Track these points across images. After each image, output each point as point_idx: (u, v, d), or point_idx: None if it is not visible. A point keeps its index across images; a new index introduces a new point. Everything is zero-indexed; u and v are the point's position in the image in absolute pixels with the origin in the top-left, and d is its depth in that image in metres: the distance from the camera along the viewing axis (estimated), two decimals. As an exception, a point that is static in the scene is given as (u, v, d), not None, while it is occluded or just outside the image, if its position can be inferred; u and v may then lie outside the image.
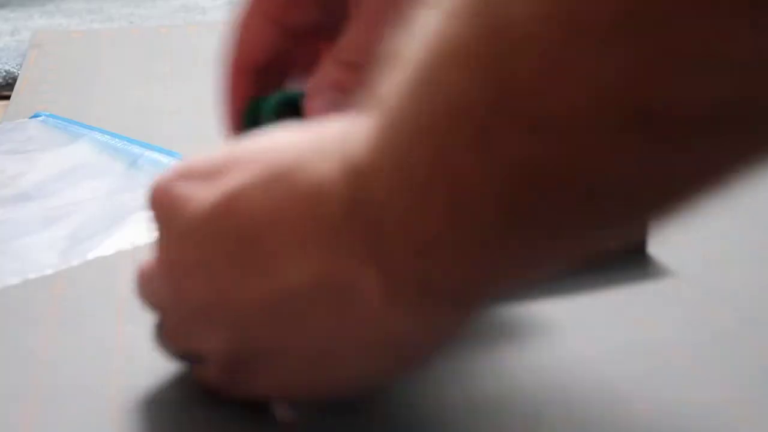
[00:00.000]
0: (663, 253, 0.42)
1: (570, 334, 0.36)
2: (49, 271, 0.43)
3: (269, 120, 0.40)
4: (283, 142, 0.30)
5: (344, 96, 0.38)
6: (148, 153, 0.56)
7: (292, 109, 0.40)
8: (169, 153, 0.56)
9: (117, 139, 0.59)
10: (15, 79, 0.79)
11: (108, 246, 0.45)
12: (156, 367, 0.35)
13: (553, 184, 0.23)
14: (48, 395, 0.34)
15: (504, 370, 0.34)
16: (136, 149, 0.57)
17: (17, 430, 0.32)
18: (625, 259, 0.41)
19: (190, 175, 0.31)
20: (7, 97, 0.75)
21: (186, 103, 0.69)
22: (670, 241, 0.43)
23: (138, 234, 0.46)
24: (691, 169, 0.23)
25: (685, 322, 0.37)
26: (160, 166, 0.54)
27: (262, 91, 0.41)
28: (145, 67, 0.80)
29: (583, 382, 0.33)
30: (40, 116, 0.65)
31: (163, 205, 0.31)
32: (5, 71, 0.80)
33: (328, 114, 0.38)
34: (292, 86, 0.42)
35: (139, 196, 0.51)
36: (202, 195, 0.30)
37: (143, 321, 0.39)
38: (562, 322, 0.37)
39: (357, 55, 0.38)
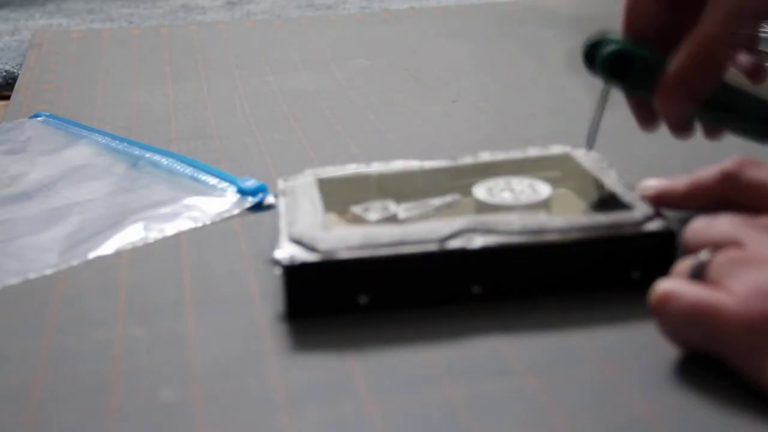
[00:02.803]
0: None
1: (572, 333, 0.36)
2: (49, 271, 0.43)
3: (600, 69, 0.44)
4: None
5: (692, 92, 0.42)
6: (148, 155, 0.56)
7: (626, 62, 0.43)
8: (169, 154, 0.56)
9: (117, 141, 0.59)
10: (15, 79, 0.79)
11: (108, 246, 0.45)
12: (156, 367, 0.35)
13: None
14: (48, 395, 0.34)
15: (505, 370, 0.34)
16: (137, 151, 0.57)
17: (17, 430, 0.32)
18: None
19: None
20: (7, 97, 0.75)
21: (186, 103, 0.69)
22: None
23: (138, 234, 0.46)
24: None
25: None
26: (161, 167, 0.54)
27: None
28: (145, 67, 0.80)
29: (586, 384, 0.33)
30: (40, 116, 0.65)
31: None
32: (5, 71, 0.80)
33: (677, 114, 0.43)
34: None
35: (140, 197, 0.51)
36: None
37: (143, 321, 0.39)
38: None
39: (706, 48, 0.41)
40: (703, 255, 0.34)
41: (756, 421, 0.31)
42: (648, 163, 0.53)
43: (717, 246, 0.34)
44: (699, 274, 0.34)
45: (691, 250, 0.36)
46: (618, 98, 0.46)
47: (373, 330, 0.37)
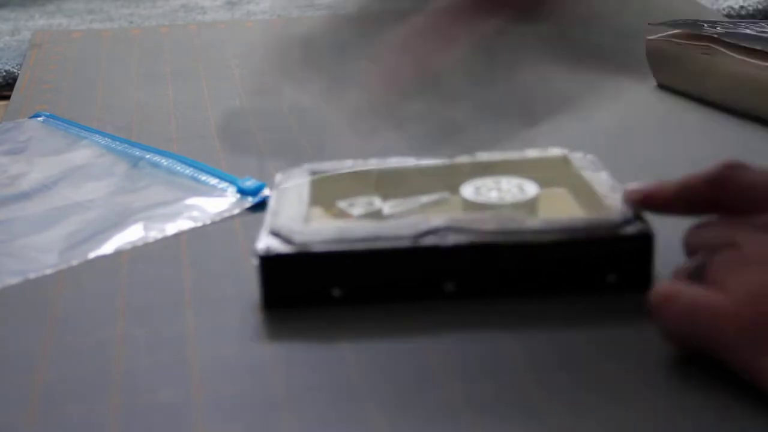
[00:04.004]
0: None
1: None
2: (49, 271, 0.43)
3: None
4: None
5: None
6: (149, 155, 0.56)
7: None
8: (169, 155, 0.56)
9: (118, 142, 0.59)
10: (15, 79, 0.79)
11: (108, 246, 0.45)
12: (156, 367, 0.35)
13: None
14: (48, 395, 0.34)
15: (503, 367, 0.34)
16: (137, 152, 0.57)
17: (17, 430, 0.32)
18: (628, 297, 0.38)
19: None
20: (7, 97, 0.75)
21: (186, 103, 0.69)
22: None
23: (138, 234, 0.46)
24: None
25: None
26: (161, 167, 0.54)
27: None
28: (145, 67, 0.80)
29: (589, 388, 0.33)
30: (40, 116, 0.65)
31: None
32: (5, 71, 0.80)
33: None
34: None
35: (140, 197, 0.51)
36: None
37: (143, 321, 0.39)
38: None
39: None
40: (702, 256, 0.34)
41: (756, 422, 0.31)
42: (652, 167, 0.53)
43: (715, 248, 0.34)
44: (698, 275, 0.34)
45: (691, 252, 0.36)
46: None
47: (374, 330, 0.37)
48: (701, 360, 0.33)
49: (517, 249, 0.38)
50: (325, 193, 0.45)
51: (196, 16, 1.03)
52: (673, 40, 0.66)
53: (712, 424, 0.31)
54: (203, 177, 0.52)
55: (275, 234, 0.39)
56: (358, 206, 0.44)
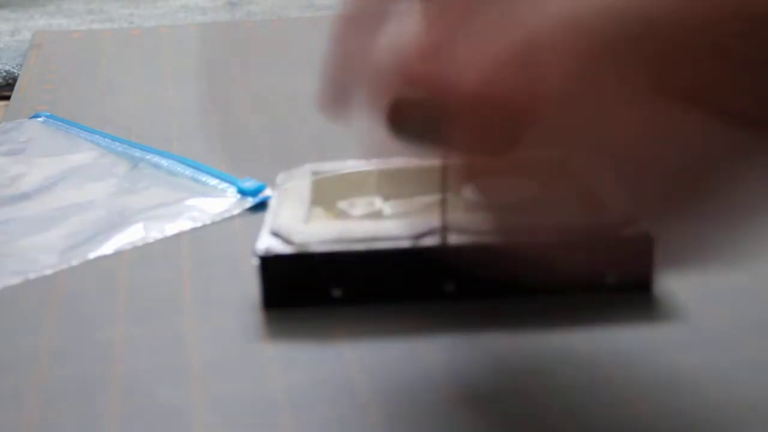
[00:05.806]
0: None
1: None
2: (49, 271, 0.43)
3: None
4: None
5: None
6: (149, 156, 0.56)
7: None
8: (169, 156, 0.56)
9: (118, 142, 0.59)
10: (15, 79, 0.79)
11: (108, 246, 0.45)
12: (156, 367, 0.35)
13: None
14: (48, 395, 0.34)
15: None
16: (137, 152, 0.57)
17: (17, 430, 0.32)
18: (628, 297, 0.38)
19: None
20: (7, 97, 0.75)
21: (186, 103, 0.69)
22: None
23: (138, 234, 0.46)
24: None
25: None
26: (161, 168, 0.54)
27: None
28: (145, 67, 0.80)
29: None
30: (40, 116, 0.65)
31: None
32: (5, 71, 0.80)
33: None
34: None
35: (140, 198, 0.51)
36: None
37: (143, 321, 0.39)
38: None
39: None
40: None
41: (757, 422, 0.31)
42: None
43: None
44: None
45: None
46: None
47: (374, 330, 0.37)
48: (702, 360, 0.33)
49: (517, 249, 0.38)
50: (326, 193, 0.45)
51: (196, 16, 1.03)
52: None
53: (713, 425, 0.31)
54: (203, 177, 0.52)
55: (275, 234, 0.39)
56: (359, 206, 0.44)
